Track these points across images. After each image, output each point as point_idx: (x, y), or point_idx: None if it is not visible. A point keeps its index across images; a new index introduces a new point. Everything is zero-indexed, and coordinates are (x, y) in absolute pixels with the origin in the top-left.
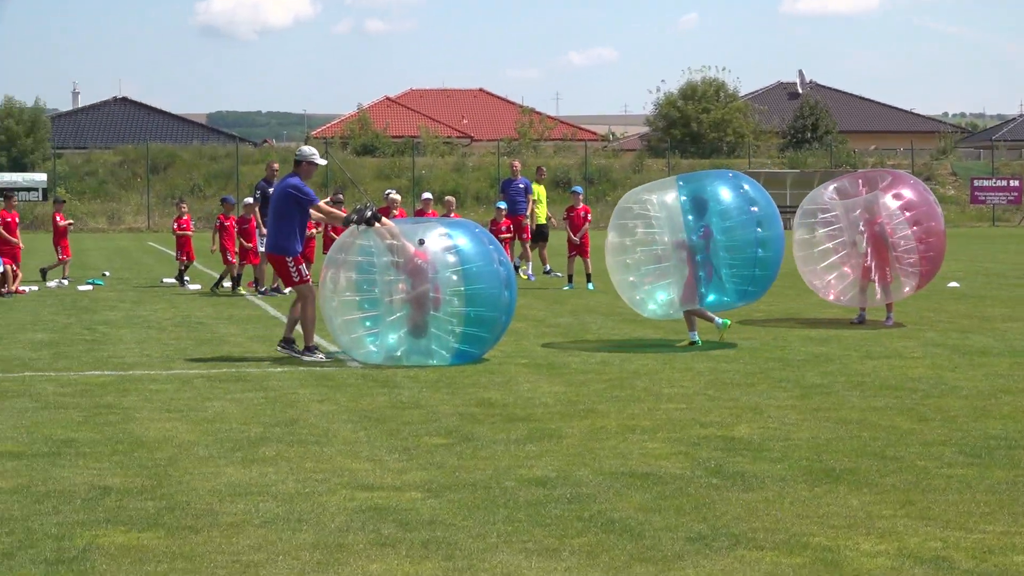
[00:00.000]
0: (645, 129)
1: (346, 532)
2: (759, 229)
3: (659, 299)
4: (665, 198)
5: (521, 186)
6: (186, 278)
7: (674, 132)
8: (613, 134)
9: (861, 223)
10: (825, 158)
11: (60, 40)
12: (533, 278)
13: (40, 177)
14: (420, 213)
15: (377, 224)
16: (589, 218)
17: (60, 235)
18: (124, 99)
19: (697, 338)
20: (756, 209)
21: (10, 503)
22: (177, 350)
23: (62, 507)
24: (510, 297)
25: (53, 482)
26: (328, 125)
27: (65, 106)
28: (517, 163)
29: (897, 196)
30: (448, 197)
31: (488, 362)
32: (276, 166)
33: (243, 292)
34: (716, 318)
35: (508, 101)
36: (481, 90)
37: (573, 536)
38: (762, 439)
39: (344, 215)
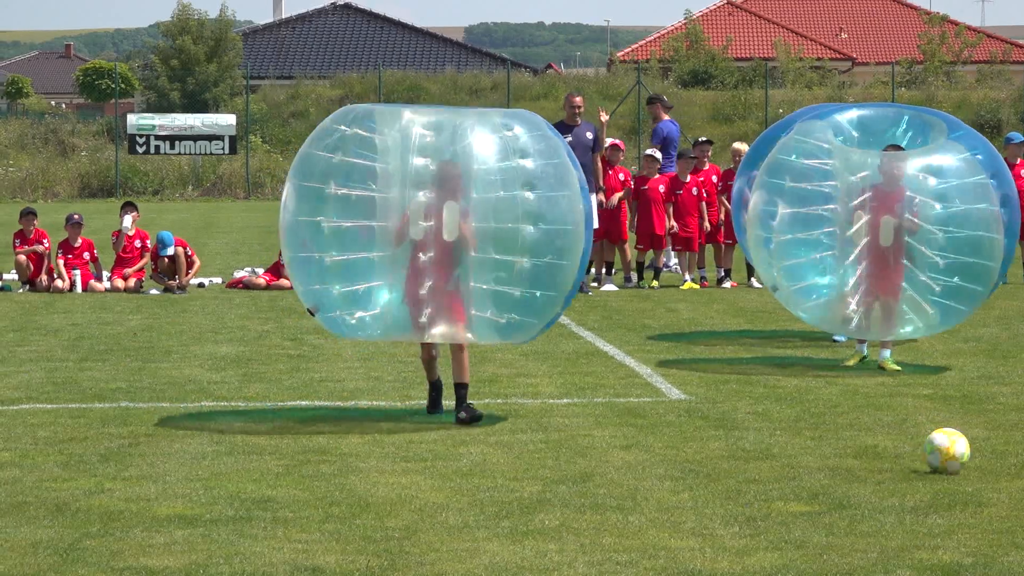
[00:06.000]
0: None
1: None
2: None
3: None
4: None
5: None
6: None
7: None
8: None
9: None
10: None
11: None
12: None
13: (226, 120)
14: None
15: None
16: None
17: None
18: (347, 6)
19: (866, 350)
20: (981, 158)
21: None
22: (420, 371)
23: None
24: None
25: (241, 560)
26: (641, 43)
27: (263, 17)
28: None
29: None
30: None
31: (870, 390)
32: (578, 101)
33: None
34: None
35: (907, 5)
36: None
37: None
38: None
39: None
